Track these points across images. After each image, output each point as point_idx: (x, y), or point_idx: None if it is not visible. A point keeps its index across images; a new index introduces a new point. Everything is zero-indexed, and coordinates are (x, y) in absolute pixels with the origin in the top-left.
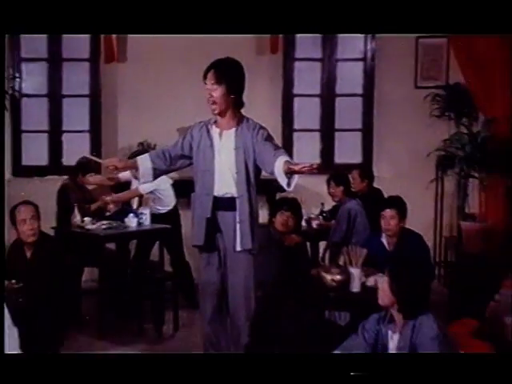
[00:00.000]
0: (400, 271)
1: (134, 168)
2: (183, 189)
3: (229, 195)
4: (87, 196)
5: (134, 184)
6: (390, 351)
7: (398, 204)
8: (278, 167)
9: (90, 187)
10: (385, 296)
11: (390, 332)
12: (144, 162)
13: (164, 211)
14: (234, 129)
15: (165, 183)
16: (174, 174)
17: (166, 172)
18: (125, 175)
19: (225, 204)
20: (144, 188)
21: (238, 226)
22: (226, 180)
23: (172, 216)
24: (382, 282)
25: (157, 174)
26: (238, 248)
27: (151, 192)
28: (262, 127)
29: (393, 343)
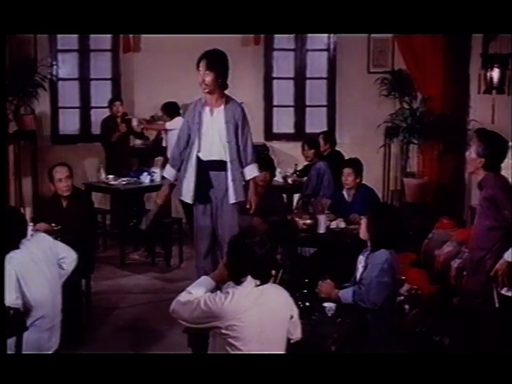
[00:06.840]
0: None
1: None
2: None
3: (219, 159)
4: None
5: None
6: (358, 270)
7: (354, 164)
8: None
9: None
10: (362, 232)
11: (361, 256)
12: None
13: None
14: (222, 106)
15: None
16: None
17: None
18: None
19: (215, 166)
20: (169, 124)
21: (230, 183)
22: (216, 148)
23: None
24: (363, 222)
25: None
26: (232, 200)
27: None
28: (241, 108)
29: (360, 264)
